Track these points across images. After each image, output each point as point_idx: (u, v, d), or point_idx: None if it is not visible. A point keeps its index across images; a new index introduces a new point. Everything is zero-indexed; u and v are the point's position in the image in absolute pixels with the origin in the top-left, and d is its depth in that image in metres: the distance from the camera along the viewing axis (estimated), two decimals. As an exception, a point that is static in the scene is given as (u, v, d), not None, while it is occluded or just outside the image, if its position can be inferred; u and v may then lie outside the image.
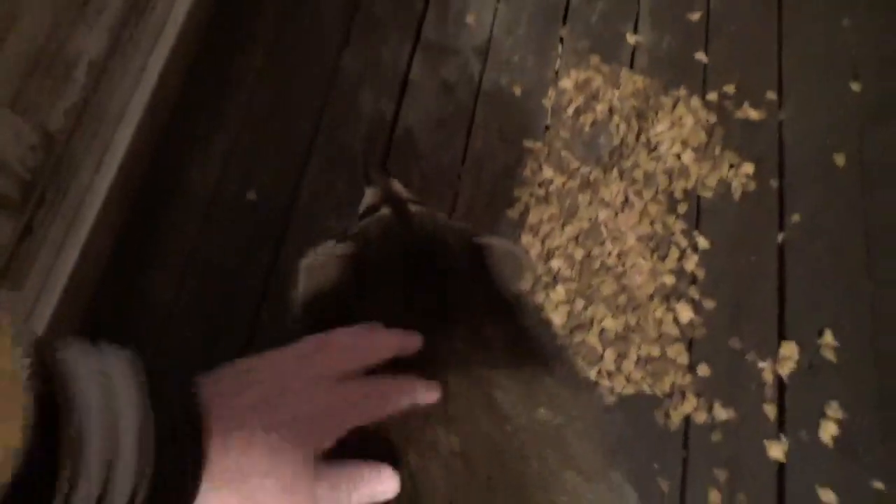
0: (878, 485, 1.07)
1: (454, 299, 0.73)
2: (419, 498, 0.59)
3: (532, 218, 1.26)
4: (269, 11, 1.46)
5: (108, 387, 0.42)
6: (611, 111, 1.34)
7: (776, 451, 1.09)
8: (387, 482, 0.54)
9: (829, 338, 1.16)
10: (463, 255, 0.77)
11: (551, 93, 1.38)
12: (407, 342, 0.61)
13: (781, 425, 1.12)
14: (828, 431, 1.10)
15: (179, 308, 1.20)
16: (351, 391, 0.55)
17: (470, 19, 1.46)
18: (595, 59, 1.41)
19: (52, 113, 1.16)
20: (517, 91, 1.39)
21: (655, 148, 1.31)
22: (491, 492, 0.59)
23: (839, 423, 1.10)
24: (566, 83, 1.38)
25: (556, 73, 1.41)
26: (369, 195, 0.91)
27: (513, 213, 1.28)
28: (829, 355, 1.15)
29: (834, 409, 1.11)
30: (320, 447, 0.52)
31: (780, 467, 1.09)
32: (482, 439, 0.63)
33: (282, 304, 1.21)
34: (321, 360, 0.56)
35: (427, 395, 0.59)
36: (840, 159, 1.31)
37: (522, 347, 0.74)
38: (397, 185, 0.93)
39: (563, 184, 1.28)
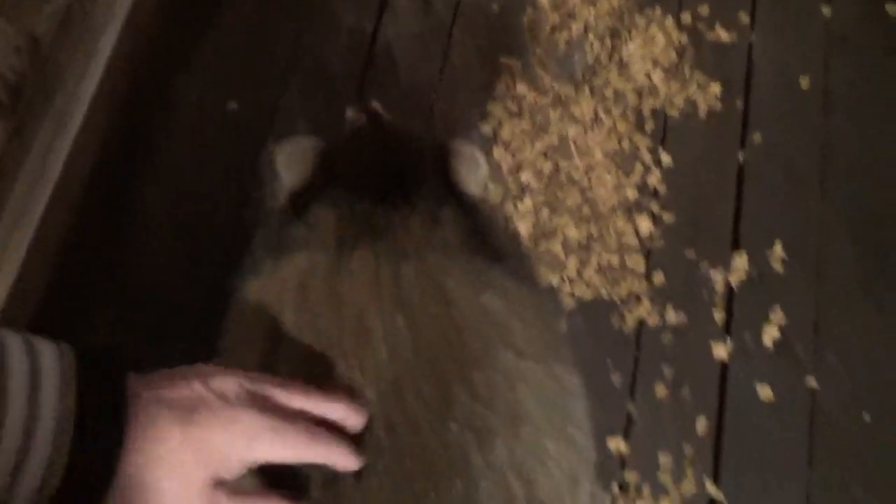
0: (812, 382, 1.16)
1: (416, 192, 0.80)
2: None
3: (504, 132, 1.31)
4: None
5: (34, 361, 0.44)
6: (586, 30, 1.37)
7: (721, 351, 1.18)
8: None
9: (778, 250, 1.23)
10: (429, 156, 0.84)
11: (529, 10, 1.41)
12: (351, 418, 0.60)
13: (727, 329, 1.20)
14: (769, 335, 1.19)
15: (162, 212, 1.26)
16: (278, 422, 0.53)
17: (451, -67, 1.46)
18: (573, -22, 1.43)
19: (37, 17, 1.18)
20: (495, 8, 1.42)
21: (627, 67, 1.35)
22: (433, 368, 0.67)
23: (780, 327, 1.19)
24: (544, 1, 1.41)
25: (535, -10, 1.43)
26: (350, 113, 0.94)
27: (486, 128, 1.33)
28: (777, 266, 1.23)
29: (777, 315, 1.20)
30: (227, 474, 0.51)
31: (724, 366, 1.18)
32: (429, 321, 0.70)
33: (261, 208, 1.27)
34: (262, 387, 0.55)
35: (345, 461, 0.57)
36: (805, 82, 1.35)
37: (477, 241, 0.82)
38: (375, 103, 0.97)
39: (536, 100, 1.33)
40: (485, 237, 0.85)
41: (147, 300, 1.21)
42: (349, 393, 0.64)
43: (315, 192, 0.80)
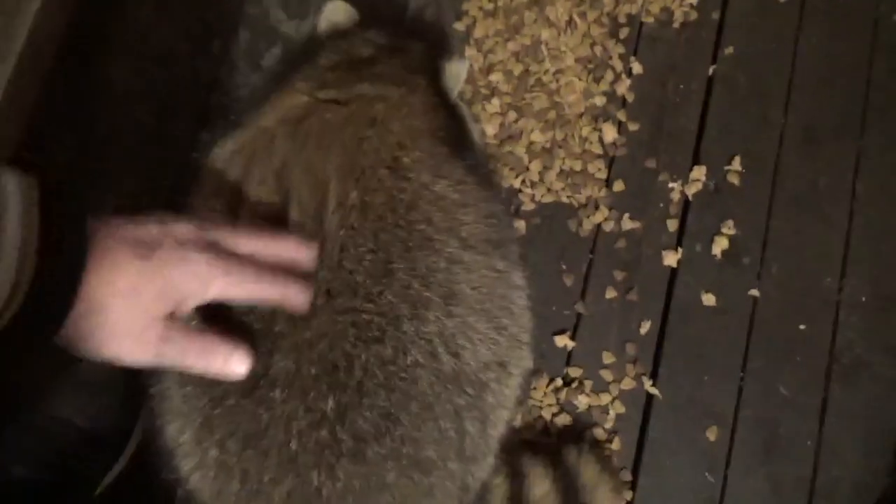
0: (754, 292, 1.22)
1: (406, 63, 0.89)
2: (310, 230, 0.71)
3: (478, 32, 1.30)
4: None
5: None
6: (568, -73, 1.34)
7: (671, 258, 1.23)
8: (231, 366, 0.58)
9: (736, 164, 1.26)
10: (424, 59, 0.90)
11: None
12: (302, 253, 0.65)
13: (680, 238, 1.24)
14: (720, 245, 1.23)
15: (134, 90, 1.25)
16: (231, 264, 0.57)
17: None
18: None
19: None
20: None
21: (606, -31, 1.32)
22: (376, 239, 0.71)
23: (730, 238, 1.23)
24: None
25: None
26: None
27: (460, 26, 1.31)
28: (734, 179, 1.26)
29: (728, 227, 1.24)
30: (179, 310, 0.55)
31: (672, 273, 1.23)
32: (381, 192, 0.73)
33: (232, 93, 1.27)
34: (216, 234, 0.58)
35: (297, 299, 0.62)
36: (783, -4, 1.34)
37: (445, 132, 0.86)
38: None
39: (512, 0, 1.31)
40: (453, 130, 0.90)
41: (115, 178, 1.23)
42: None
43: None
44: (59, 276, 0.47)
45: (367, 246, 0.71)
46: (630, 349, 1.20)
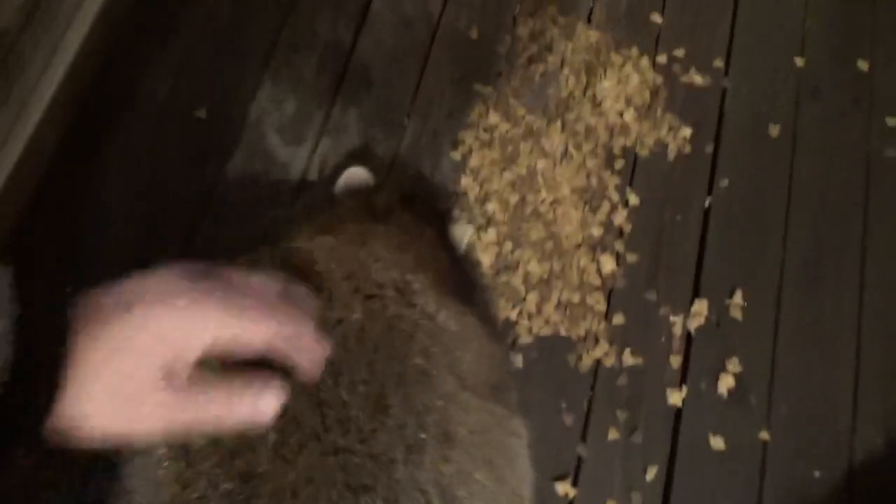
0: (764, 435, 1.15)
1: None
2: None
3: (474, 161, 1.30)
4: (233, -73, 1.44)
5: None
6: (562, 63, 1.37)
7: (675, 397, 1.17)
8: (261, 407, 0.49)
9: (738, 298, 1.23)
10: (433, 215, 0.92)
11: (507, 39, 1.40)
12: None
13: (684, 375, 1.19)
14: (725, 383, 1.18)
15: (121, 211, 1.22)
16: (226, 298, 0.48)
17: (435, -44, 1.46)
18: (553, 10, 1.42)
19: (3, 7, 1.14)
20: (474, 34, 1.41)
21: (600, 103, 1.34)
22: (371, 369, 0.66)
23: (736, 376, 1.18)
24: (522, 31, 1.40)
25: (514, 19, 1.42)
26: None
27: (456, 155, 1.31)
28: (736, 314, 1.22)
29: (734, 364, 1.19)
30: (180, 358, 0.47)
31: (678, 413, 1.17)
32: (382, 322, 0.69)
33: (221, 219, 1.24)
34: (210, 285, 0.50)
35: (311, 353, 0.53)
36: (775, 130, 1.36)
37: (451, 275, 0.84)
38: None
39: (508, 130, 1.31)
40: (457, 273, 0.90)
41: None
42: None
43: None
44: (39, 358, 0.43)
45: (362, 375, 0.66)
46: (635, 498, 1.12)
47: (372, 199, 0.96)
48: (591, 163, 1.30)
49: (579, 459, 1.14)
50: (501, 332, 1.15)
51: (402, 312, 0.72)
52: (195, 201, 1.26)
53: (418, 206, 0.99)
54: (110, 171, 1.27)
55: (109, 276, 1.18)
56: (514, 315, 1.20)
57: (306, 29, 1.39)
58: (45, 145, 1.20)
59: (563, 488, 1.11)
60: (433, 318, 0.74)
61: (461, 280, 0.92)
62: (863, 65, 1.42)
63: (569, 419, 1.16)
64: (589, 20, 1.43)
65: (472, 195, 1.27)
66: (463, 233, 1.03)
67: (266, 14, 1.38)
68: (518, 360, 1.18)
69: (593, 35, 1.40)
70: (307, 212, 1.00)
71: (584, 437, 1.15)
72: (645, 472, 1.13)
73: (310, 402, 0.62)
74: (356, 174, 1.06)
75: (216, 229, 1.25)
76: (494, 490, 0.70)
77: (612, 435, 1.15)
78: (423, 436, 0.65)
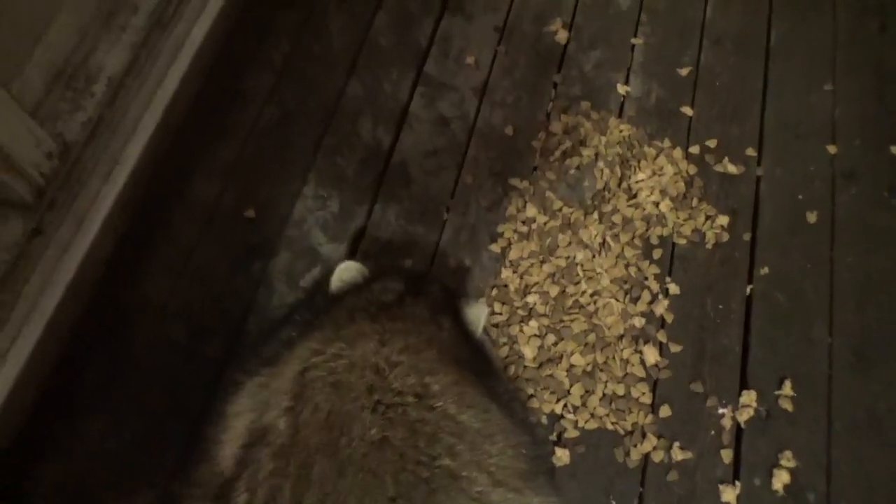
0: (824, 534, 1.11)
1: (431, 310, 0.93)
2: (336, 480, 0.68)
3: (513, 253, 1.32)
4: (283, 37, 1.54)
5: None
6: (596, 156, 1.41)
7: (729, 495, 1.14)
8: None
9: (787, 388, 1.21)
10: (446, 300, 0.90)
11: (541, 135, 1.45)
12: None
13: (736, 470, 1.16)
14: (780, 479, 1.14)
15: (171, 308, 1.27)
16: None
17: (470, 59, 1.53)
18: (586, 106, 1.48)
19: (70, 123, 1.23)
20: (509, 131, 1.46)
21: (636, 195, 1.37)
22: (397, 482, 0.67)
23: (791, 471, 1.15)
24: (556, 126, 1.45)
25: (548, 115, 1.48)
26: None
27: (495, 247, 1.34)
28: (787, 405, 1.20)
29: (787, 458, 1.16)
30: None
31: (732, 510, 1.13)
32: (404, 429, 0.71)
33: (267, 315, 1.27)
34: None
35: None
36: (812, 217, 1.37)
37: (471, 366, 0.85)
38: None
39: (545, 223, 1.34)
40: (477, 363, 0.90)
41: (142, 396, 1.20)
42: None
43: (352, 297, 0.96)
44: None
45: (388, 493, 0.66)
46: None
47: (378, 291, 0.94)
48: (629, 253, 1.32)
49: (632, 561, 1.10)
50: (527, 419, 1.13)
51: (424, 416, 0.73)
52: (241, 298, 1.30)
53: (427, 289, 0.98)
54: (161, 269, 1.32)
55: (158, 375, 1.21)
56: (558, 408, 1.19)
57: (348, 131, 1.46)
58: (104, 248, 1.26)
59: (617, 593, 1.07)
60: (455, 418, 0.75)
61: (483, 370, 0.91)
62: (895, 150, 1.44)
63: (619, 517, 1.13)
64: (620, 114, 1.48)
65: (512, 287, 1.29)
66: (479, 314, 0.97)
67: (310, 118, 1.46)
68: (565, 456, 1.16)
69: (626, 128, 1.44)
70: (316, 315, 0.95)
71: (636, 537, 1.12)
72: (702, 574, 1.09)
73: None
74: (349, 269, 1.01)
75: (258, 324, 1.28)
76: None
77: (665, 534, 1.11)
78: None
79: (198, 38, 1.38)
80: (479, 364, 0.91)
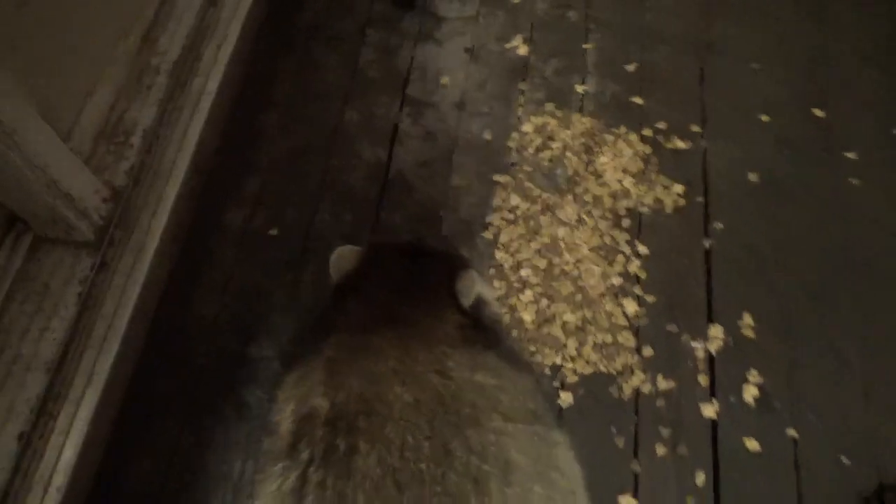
0: (792, 432, 1.32)
1: (429, 293, 1.04)
2: (380, 429, 0.85)
3: (503, 237, 1.55)
4: (286, 79, 1.77)
5: None
6: (564, 148, 1.65)
7: (709, 411, 1.35)
8: None
9: (748, 319, 1.43)
10: (441, 269, 1.08)
11: (515, 136, 1.69)
12: None
13: (712, 391, 1.38)
14: (750, 393, 1.36)
15: (220, 321, 1.48)
16: None
17: (445, 80, 1.78)
18: (550, 107, 1.72)
19: (116, 172, 1.45)
20: (487, 136, 1.70)
21: (602, 176, 1.60)
22: (432, 428, 0.85)
23: (758, 386, 1.37)
24: (527, 127, 1.69)
25: (519, 119, 1.72)
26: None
27: (488, 235, 1.56)
28: (749, 333, 1.42)
29: (754, 375, 1.38)
30: None
31: (713, 424, 1.35)
32: (431, 392, 0.89)
33: (304, 318, 1.48)
34: None
35: None
36: (754, 177, 1.60)
37: (475, 332, 1.03)
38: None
39: (528, 209, 1.57)
40: (482, 330, 1.06)
41: (211, 405, 1.40)
42: None
43: (355, 279, 1.05)
44: None
45: (424, 433, 0.83)
46: (690, 502, 1.28)
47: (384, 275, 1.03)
48: (602, 225, 1.54)
49: (636, 475, 1.31)
50: (528, 364, 1.30)
51: (445, 383, 0.89)
52: (279, 305, 1.51)
53: (430, 261, 1.07)
54: (208, 289, 1.53)
55: (217, 384, 1.42)
56: (559, 360, 1.41)
57: (350, 153, 1.69)
58: (160, 274, 1.48)
59: (627, 501, 1.28)
60: (471, 380, 0.92)
61: (487, 330, 1.04)
62: (819, 112, 1.68)
63: (620, 442, 1.34)
64: (581, 110, 1.72)
65: (506, 265, 1.51)
66: (470, 282, 1.04)
67: (316, 145, 1.69)
68: (569, 398, 1.38)
69: (587, 121, 1.68)
70: (339, 313, 1.02)
71: (636, 455, 1.33)
72: (694, 478, 1.30)
73: (381, 470, 0.80)
74: (343, 254, 1.07)
75: (295, 324, 1.50)
76: (551, 495, 0.88)
77: (660, 451, 1.33)
78: (486, 467, 0.83)
79: (213, 88, 1.62)
80: (483, 333, 1.03)
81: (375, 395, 0.88)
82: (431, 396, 0.88)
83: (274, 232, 1.58)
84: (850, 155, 1.62)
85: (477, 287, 1.07)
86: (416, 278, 1.07)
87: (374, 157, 1.69)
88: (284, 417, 0.97)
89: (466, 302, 1.05)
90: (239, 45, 1.69)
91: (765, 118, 1.68)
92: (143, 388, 1.41)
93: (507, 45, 1.84)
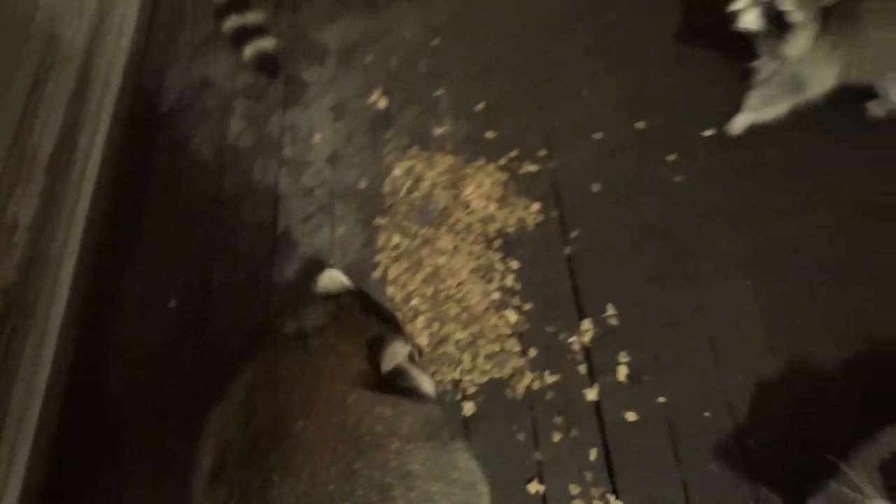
0: (662, 399, 1.54)
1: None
2: (290, 459, 0.97)
3: (391, 274, 1.70)
4: (162, 157, 1.86)
5: None
6: (433, 186, 1.83)
7: (591, 394, 1.55)
8: None
9: (611, 310, 1.65)
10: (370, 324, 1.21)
11: (388, 181, 1.86)
12: None
13: (592, 376, 1.58)
14: (622, 373, 1.57)
15: (128, 395, 1.53)
16: None
17: (316, 138, 1.92)
18: (415, 150, 1.91)
19: (6, 269, 1.48)
20: (363, 185, 1.85)
21: (469, 205, 1.79)
22: (335, 454, 0.99)
23: (628, 364, 1.58)
24: (397, 171, 1.86)
25: (388, 165, 1.89)
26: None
27: (377, 274, 1.71)
28: (613, 321, 1.64)
29: (623, 357, 1.59)
30: None
31: (597, 405, 1.54)
32: (333, 425, 1.02)
33: (211, 370, 1.56)
34: None
35: None
36: (596, 186, 1.85)
37: (379, 380, 1.16)
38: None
39: (409, 244, 1.74)
40: (391, 381, 1.20)
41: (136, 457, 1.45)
42: None
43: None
44: None
45: (330, 459, 0.96)
46: (588, 476, 1.46)
47: (303, 323, 1.18)
48: (476, 248, 1.73)
49: (539, 463, 1.48)
50: (427, 396, 1.42)
51: (346, 414, 1.02)
52: (183, 373, 1.58)
53: (346, 318, 1.22)
54: (114, 366, 1.58)
55: (138, 458, 1.46)
56: (457, 374, 1.57)
57: (235, 217, 1.79)
58: (63, 365, 1.51)
59: (534, 487, 1.44)
60: (371, 411, 1.06)
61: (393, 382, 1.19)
62: (640, 124, 1.96)
63: (521, 436, 1.51)
64: (442, 150, 1.92)
65: (398, 298, 1.66)
66: (396, 351, 1.17)
67: (200, 213, 1.78)
68: (471, 407, 1.53)
69: (449, 159, 1.88)
70: (252, 353, 1.13)
71: (536, 446, 1.50)
72: (589, 455, 1.48)
73: (294, 496, 0.91)
74: (333, 277, 1.24)
75: (206, 378, 1.57)
76: (451, 491, 1.03)
77: (556, 437, 1.50)
78: (389, 479, 0.97)
79: (93, 175, 1.68)
80: (385, 378, 1.16)
81: (284, 427, 1.00)
82: (334, 427, 1.01)
83: (172, 304, 1.65)
84: (671, 157, 1.89)
85: (398, 359, 1.19)
86: (345, 324, 1.19)
87: (258, 219, 1.79)
88: (206, 452, 1.06)
89: (385, 368, 1.17)
90: (112, 131, 1.77)
91: (597, 135, 1.94)
92: (68, 447, 1.43)
93: (368, 100, 2.02)
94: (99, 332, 1.59)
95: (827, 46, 1.55)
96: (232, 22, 2.06)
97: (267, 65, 2.05)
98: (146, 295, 1.65)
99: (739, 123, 1.84)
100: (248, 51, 2.06)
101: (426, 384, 1.26)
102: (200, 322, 1.63)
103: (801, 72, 1.63)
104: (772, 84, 1.70)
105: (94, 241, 1.66)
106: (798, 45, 1.55)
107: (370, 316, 1.26)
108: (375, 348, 1.17)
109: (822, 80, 1.64)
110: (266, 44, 2.08)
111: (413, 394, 1.21)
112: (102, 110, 1.76)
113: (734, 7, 1.60)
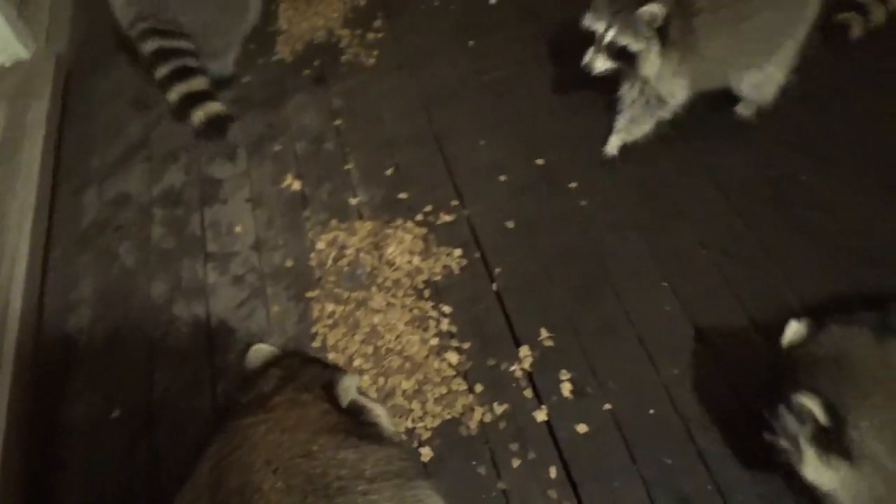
0: (607, 405, 1.60)
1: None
2: None
3: (330, 341, 1.74)
4: (88, 276, 1.87)
5: None
6: (357, 251, 1.90)
7: (541, 415, 1.60)
8: None
9: (544, 333, 1.73)
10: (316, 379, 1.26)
11: (313, 255, 1.92)
12: None
13: (538, 398, 1.63)
14: (566, 389, 1.63)
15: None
16: None
17: (238, 229, 1.98)
18: (334, 223, 1.99)
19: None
20: (289, 263, 1.91)
21: (394, 263, 1.87)
22: (304, 497, 1.02)
23: (570, 381, 1.65)
24: (321, 245, 1.93)
25: (312, 241, 1.96)
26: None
27: (316, 344, 1.75)
28: (549, 343, 1.71)
29: (564, 374, 1.66)
30: None
31: (548, 424, 1.59)
32: (301, 476, 1.06)
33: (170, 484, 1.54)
34: None
35: None
36: (510, 224, 1.96)
37: (340, 424, 1.21)
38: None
39: (343, 310, 1.79)
40: (346, 421, 1.24)
41: None
42: None
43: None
44: None
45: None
46: (553, 494, 1.50)
47: (260, 384, 1.23)
48: (408, 301, 1.80)
49: (504, 492, 1.51)
50: (390, 439, 1.47)
51: (312, 464, 1.07)
52: (139, 486, 1.56)
53: (301, 378, 1.26)
54: (65, 490, 1.54)
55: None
56: (410, 423, 1.60)
57: (169, 320, 1.81)
58: (11, 462, 1.47)
59: (502, 516, 1.46)
60: (335, 457, 1.10)
61: (352, 421, 1.23)
62: (540, 161, 2.11)
63: (482, 469, 1.54)
64: (361, 217, 2.00)
65: (341, 362, 1.69)
66: (348, 385, 1.22)
67: (133, 323, 1.79)
68: (428, 451, 1.56)
69: (368, 225, 1.97)
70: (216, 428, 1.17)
71: (499, 476, 1.53)
72: (549, 474, 1.52)
73: None
74: (259, 351, 1.29)
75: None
76: None
77: (516, 463, 1.54)
78: None
79: (17, 306, 1.69)
80: (346, 421, 1.20)
81: (252, 487, 1.03)
82: (302, 479, 1.04)
83: (116, 414, 1.64)
84: (573, 185, 2.03)
85: (353, 393, 1.25)
86: (296, 379, 1.23)
87: (193, 316, 1.82)
88: None
89: (343, 402, 1.22)
90: (31, 258, 1.79)
91: (503, 177, 2.07)
92: None
93: (282, 185, 2.10)
94: (49, 460, 1.57)
95: (674, 63, 1.74)
96: (178, 90, 2.16)
97: (220, 124, 2.18)
98: (89, 414, 1.64)
99: (612, 144, 2.04)
100: (200, 113, 2.17)
101: (383, 416, 1.30)
102: (147, 426, 1.62)
103: (659, 88, 1.81)
104: (636, 106, 1.89)
105: (27, 380, 1.66)
106: (650, 64, 1.73)
107: (315, 365, 1.31)
108: (330, 388, 1.23)
109: (678, 92, 1.83)
110: (216, 107, 2.20)
111: (376, 431, 1.25)
112: (20, 244, 1.79)
113: (584, 62, 1.79)
